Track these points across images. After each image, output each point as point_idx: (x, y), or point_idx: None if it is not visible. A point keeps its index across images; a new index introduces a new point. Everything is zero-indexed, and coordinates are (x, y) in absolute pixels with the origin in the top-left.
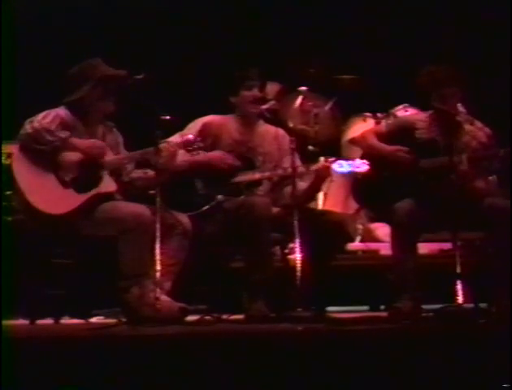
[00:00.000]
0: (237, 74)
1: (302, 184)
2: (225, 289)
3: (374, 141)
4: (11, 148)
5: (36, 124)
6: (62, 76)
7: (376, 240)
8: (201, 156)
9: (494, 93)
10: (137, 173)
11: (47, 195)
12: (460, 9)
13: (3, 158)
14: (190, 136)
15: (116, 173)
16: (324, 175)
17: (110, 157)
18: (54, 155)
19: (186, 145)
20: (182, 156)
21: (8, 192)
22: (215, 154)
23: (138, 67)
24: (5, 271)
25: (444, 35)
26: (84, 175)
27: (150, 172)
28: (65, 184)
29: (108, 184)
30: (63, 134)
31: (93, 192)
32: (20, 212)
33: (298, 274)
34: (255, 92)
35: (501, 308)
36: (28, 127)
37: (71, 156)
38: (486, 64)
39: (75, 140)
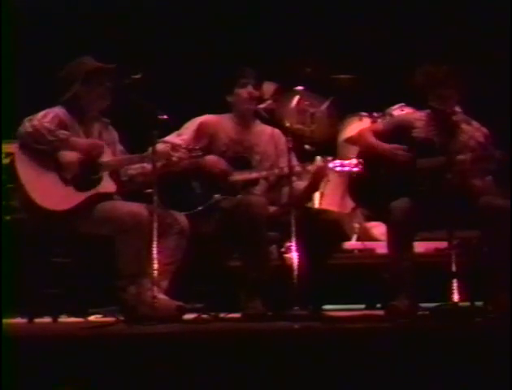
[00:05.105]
0: (231, 73)
1: (300, 184)
2: (222, 288)
3: (371, 139)
4: (11, 147)
5: (36, 123)
6: (55, 78)
7: (372, 238)
8: (195, 160)
9: (493, 93)
10: (135, 169)
11: (48, 192)
12: (459, 8)
13: (2, 157)
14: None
15: (115, 174)
16: (321, 174)
17: (108, 158)
18: (53, 154)
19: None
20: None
21: (7, 191)
22: (209, 159)
23: (136, 66)
24: (3, 270)
25: (441, 34)
26: (85, 174)
27: (147, 166)
28: (66, 182)
29: (108, 185)
30: (63, 134)
31: (93, 191)
32: (21, 209)
33: (295, 272)
34: (249, 89)
35: (497, 306)
36: (28, 126)
37: (70, 155)
38: (485, 64)
39: (75, 140)
